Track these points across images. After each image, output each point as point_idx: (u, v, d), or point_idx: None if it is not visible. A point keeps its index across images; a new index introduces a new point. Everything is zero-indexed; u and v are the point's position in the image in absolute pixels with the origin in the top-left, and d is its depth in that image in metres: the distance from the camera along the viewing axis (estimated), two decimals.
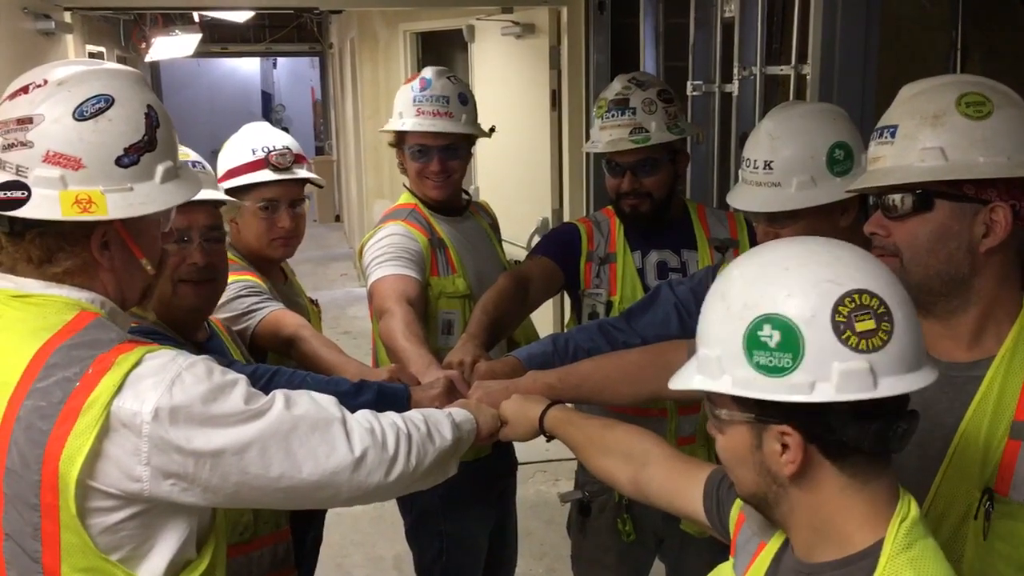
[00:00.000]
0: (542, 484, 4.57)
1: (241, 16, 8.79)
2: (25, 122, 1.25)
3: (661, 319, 2.05)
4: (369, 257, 2.43)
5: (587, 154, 4.33)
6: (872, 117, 2.68)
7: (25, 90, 1.27)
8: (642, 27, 4.15)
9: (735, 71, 3.44)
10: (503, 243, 2.84)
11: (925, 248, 1.29)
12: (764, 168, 1.83)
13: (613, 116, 2.35)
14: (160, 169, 1.32)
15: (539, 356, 1.98)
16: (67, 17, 5.00)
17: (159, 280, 1.43)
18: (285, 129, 2.57)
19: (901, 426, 1.02)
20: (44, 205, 1.23)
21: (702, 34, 3.78)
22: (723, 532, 1.32)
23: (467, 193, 2.71)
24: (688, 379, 1.11)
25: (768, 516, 1.12)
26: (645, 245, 2.42)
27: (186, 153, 1.74)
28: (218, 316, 2.03)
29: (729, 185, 2.67)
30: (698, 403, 2.32)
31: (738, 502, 1.27)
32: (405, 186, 2.64)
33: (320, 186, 2.53)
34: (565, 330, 2.31)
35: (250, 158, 2.29)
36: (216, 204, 1.88)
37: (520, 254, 3.83)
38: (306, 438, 1.31)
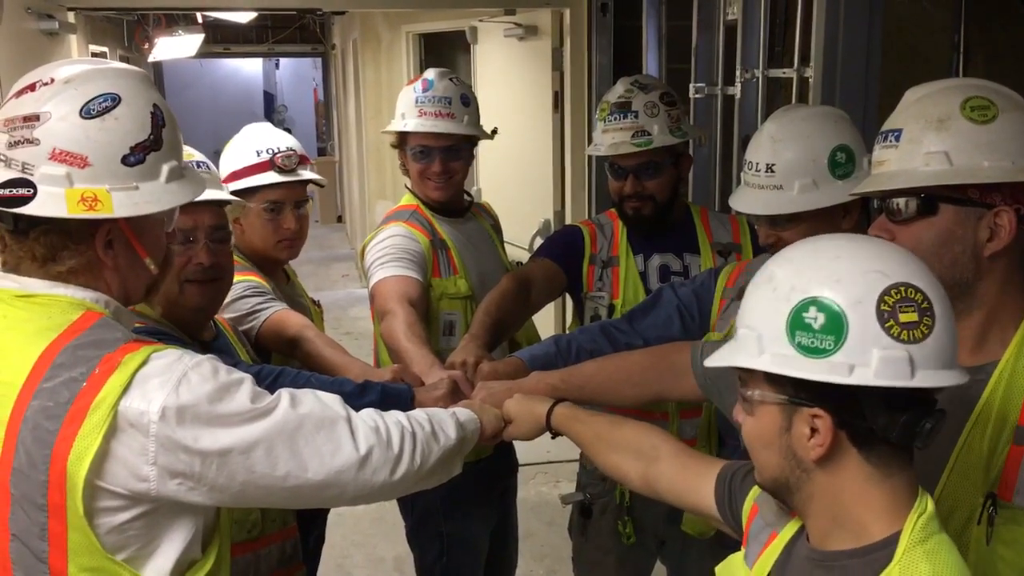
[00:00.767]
0: (543, 485, 4.57)
1: (244, 17, 8.80)
2: (32, 119, 1.25)
3: (663, 321, 2.05)
4: (371, 258, 2.43)
5: (589, 156, 4.34)
6: (875, 120, 2.69)
7: (32, 88, 1.27)
8: (645, 29, 4.16)
9: (737, 74, 3.44)
10: (505, 244, 2.84)
11: (929, 252, 1.29)
12: (766, 171, 1.83)
13: (615, 119, 2.36)
14: (165, 168, 1.32)
15: (542, 357, 1.98)
16: (71, 17, 5.00)
17: (163, 279, 1.43)
18: (287, 130, 2.57)
19: (928, 422, 1.04)
20: (50, 203, 1.23)
21: (705, 36, 3.78)
22: (735, 525, 1.33)
23: (469, 194, 2.72)
24: (726, 357, 1.12)
25: (787, 502, 1.14)
26: (648, 248, 2.43)
27: (190, 153, 1.74)
28: (222, 316, 2.03)
29: (731, 188, 2.67)
30: (700, 407, 2.32)
31: (751, 494, 1.28)
32: (407, 187, 2.64)
33: (322, 185, 2.54)
34: (567, 332, 2.31)
35: (255, 160, 2.29)
36: (221, 204, 1.89)
37: (521, 255, 3.84)
38: (311, 437, 1.31)
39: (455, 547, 2.56)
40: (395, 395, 1.76)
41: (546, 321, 4.35)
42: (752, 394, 1.10)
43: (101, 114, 1.26)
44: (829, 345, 1.02)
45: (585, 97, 4.55)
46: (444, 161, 2.53)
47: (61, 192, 1.24)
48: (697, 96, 3.77)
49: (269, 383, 1.66)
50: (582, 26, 4.50)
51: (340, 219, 12.83)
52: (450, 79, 2.59)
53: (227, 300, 1.99)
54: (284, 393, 1.33)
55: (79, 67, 1.30)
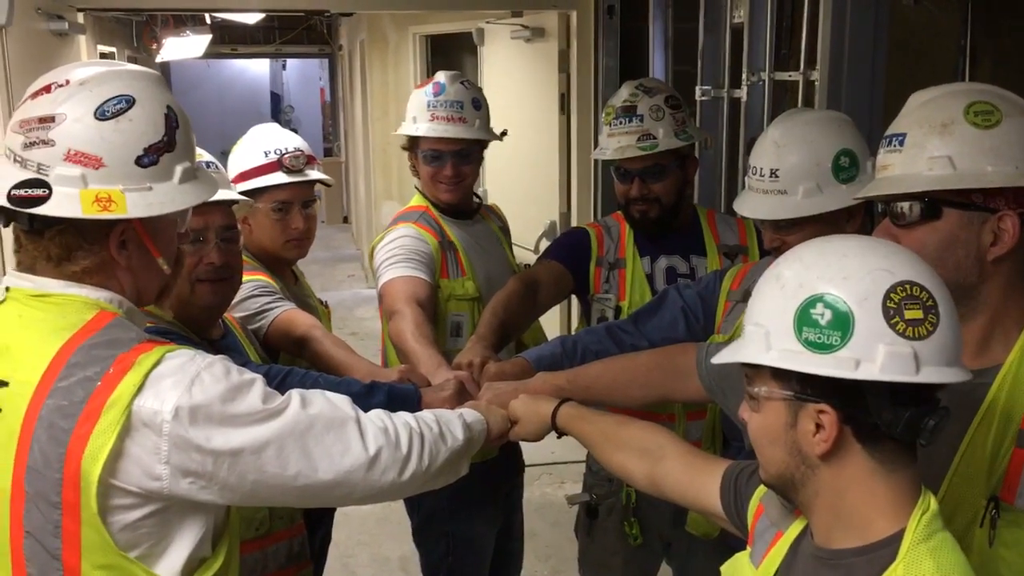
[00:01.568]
0: (548, 486, 4.58)
1: (251, 18, 8.82)
2: (47, 121, 1.26)
3: (668, 322, 2.06)
4: (380, 259, 2.44)
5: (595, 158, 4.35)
6: (880, 123, 2.69)
7: (47, 89, 1.29)
8: (651, 32, 4.17)
9: (744, 76, 3.44)
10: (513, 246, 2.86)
11: (933, 256, 1.29)
12: (770, 176, 1.84)
13: (621, 123, 2.37)
14: (179, 169, 1.33)
15: (548, 358, 2.00)
16: (80, 18, 5.02)
17: (175, 281, 1.45)
18: (294, 130, 2.59)
19: (932, 419, 1.05)
20: (65, 203, 1.25)
21: (711, 39, 3.78)
22: (740, 524, 1.34)
23: (478, 196, 2.73)
24: (734, 353, 1.13)
25: (791, 499, 1.15)
26: (654, 251, 2.44)
27: (199, 154, 1.75)
28: (231, 314, 2.05)
29: (737, 190, 2.68)
30: (705, 408, 2.33)
31: (757, 494, 1.29)
32: (416, 188, 2.66)
33: (329, 185, 2.56)
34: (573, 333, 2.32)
35: (263, 160, 2.30)
36: (230, 204, 1.90)
37: (527, 257, 3.84)
38: (322, 437, 1.32)
39: (460, 547, 2.57)
40: (402, 396, 1.77)
41: (552, 323, 4.36)
42: (758, 390, 1.12)
43: (116, 116, 1.27)
44: (836, 341, 1.03)
45: (592, 99, 4.56)
46: (455, 165, 2.54)
47: (76, 193, 1.25)
48: (703, 98, 3.77)
49: (277, 383, 1.68)
50: (589, 28, 4.50)
51: (346, 220, 12.85)
52: (461, 82, 2.60)
53: (236, 299, 2.01)
54: (295, 394, 1.34)
55: (94, 69, 1.31)
